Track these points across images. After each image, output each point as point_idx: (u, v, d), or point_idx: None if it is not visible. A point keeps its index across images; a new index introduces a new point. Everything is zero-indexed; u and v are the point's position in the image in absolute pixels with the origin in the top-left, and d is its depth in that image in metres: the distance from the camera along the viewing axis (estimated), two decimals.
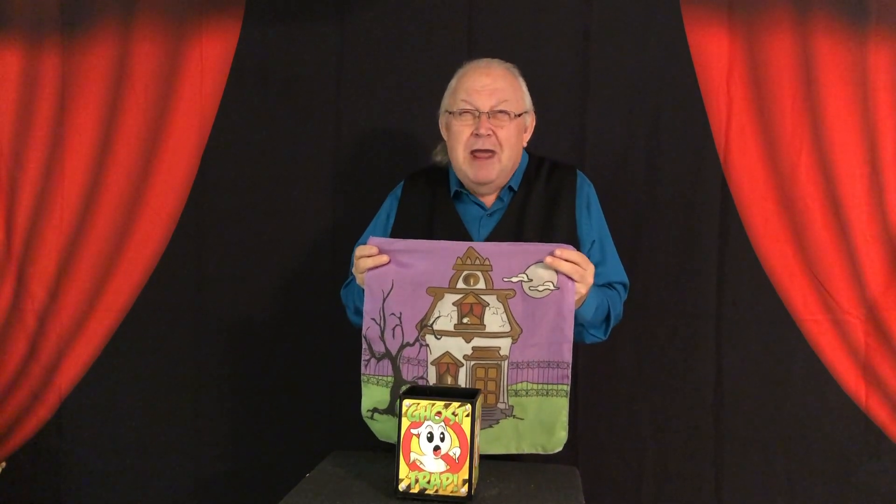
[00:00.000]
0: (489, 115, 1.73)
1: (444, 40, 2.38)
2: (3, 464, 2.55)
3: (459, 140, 1.75)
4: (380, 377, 1.60)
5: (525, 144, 1.83)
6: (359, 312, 1.71)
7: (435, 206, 1.84)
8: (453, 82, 1.82)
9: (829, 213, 2.24)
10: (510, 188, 1.80)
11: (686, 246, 2.32)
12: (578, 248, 1.69)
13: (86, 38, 2.50)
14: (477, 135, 1.73)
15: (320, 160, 2.45)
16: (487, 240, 1.74)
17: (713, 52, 2.28)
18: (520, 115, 1.77)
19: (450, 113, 1.79)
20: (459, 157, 1.76)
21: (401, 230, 1.80)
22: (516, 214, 1.76)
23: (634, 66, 2.32)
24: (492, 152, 1.73)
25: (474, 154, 1.74)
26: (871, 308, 2.22)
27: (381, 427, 1.61)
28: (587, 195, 1.80)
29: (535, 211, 1.76)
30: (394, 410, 1.58)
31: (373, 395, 1.61)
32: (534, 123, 1.85)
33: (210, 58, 2.48)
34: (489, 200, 1.81)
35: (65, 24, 2.51)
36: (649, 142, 2.33)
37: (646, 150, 2.33)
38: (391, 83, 2.43)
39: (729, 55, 2.27)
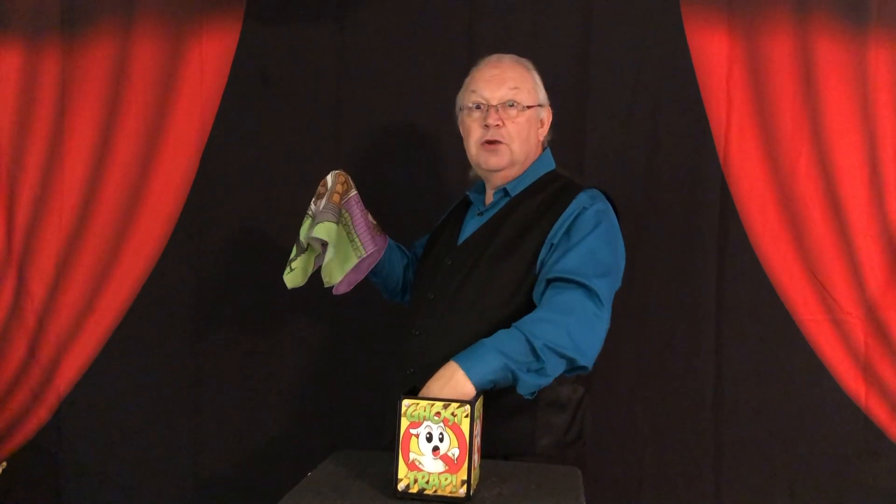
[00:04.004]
0: (497, 107, 1.74)
1: (444, 40, 2.38)
2: (4, 464, 2.55)
3: (472, 136, 1.78)
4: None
5: (541, 139, 1.83)
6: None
7: (453, 213, 1.93)
8: (467, 78, 1.83)
9: (829, 213, 2.23)
10: (506, 191, 1.78)
11: (686, 246, 2.31)
12: (535, 260, 1.64)
13: (86, 38, 2.51)
14: (486, 126, 1.74)
15: (320, 160, 2.45)
16: (468, 239, 1.77)
17: (713, 52, 2.28)
18: (530, 108, 1.76)
19: (461, 110, 1.82)
20: (473, 151, 1.79)
21: (433, 234, 1.96)
22: (500, 219, 1.75)
23: (634, 67, 2.32)
24: (500, 142, 1.75)
25: (484, 144, 1.75)
26: (871, 308, 2.22)
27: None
28: (582, 208, 1.66)
29: (518, 218, 1.72)
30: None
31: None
32: (550, 118, 1.84)
33: (210, 58, 2.48)
34: (489, 198, 1.82)
35: (65, 24, 2.51)
36: (649, 142, 2.32)
37: (646, 150, 2.33)
38: (391, 83, 2.43)
39: (729, 55, 2.27)
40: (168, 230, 2.51)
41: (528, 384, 1.51)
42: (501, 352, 1.48)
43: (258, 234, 2.48)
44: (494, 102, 1.74)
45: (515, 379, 1.49)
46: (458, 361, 1.48)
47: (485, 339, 1.51)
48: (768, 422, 2.28)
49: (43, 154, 2.53)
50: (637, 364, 2.33)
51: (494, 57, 1.81)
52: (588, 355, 1.56)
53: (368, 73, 2.43)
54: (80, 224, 2.53)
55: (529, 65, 1.82)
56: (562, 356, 1.52)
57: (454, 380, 1.45)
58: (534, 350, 1.49)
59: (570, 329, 1.52)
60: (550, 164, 1.84)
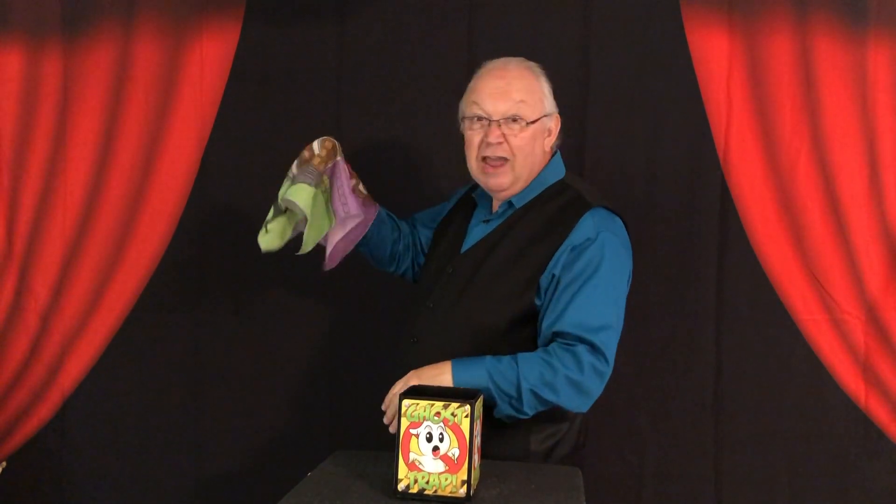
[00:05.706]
0: (500, 122, 1.67)
1: (444, 40, 2.38)
2: (4, 463, 2.55)
3: (471, 147, 1.73)
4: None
5: (548, 149, 1.77)
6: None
7: (460, 207, 1.88)
8: (471, 82, 1.77)
9: (829, 213, 2.23)
10: (511, 203, 1.74)
11: (686, 246, 2.31)
12: (537, 287, 1.63)
13: (87, 39, 2.50)
14: (488, 143, 1.68)
15: None
16: (470, 249, 1.75)
17: (713, 52, 2.28)
18: (536, 121, 1.70)
19: (463, 118, 1.76)
20: (473, 165, 1.74)
21: (439, 227, 1.92)
22: (503, 231, 1.72)
23: (634, 66, 2.32)
24: (504, 160, 1.69)
25: (486, 161, 1.70)
26: (871, 308, 2.22)
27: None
28: (586, 239, 1.62)
29: (521, 232, 1.69)
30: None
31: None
32: (558, 125, 1.78)
33: (210, 58, 2.48)
34: (495, 206, 1.79)
35: (66, 25, 2.51)
36: (649, 142, 2.32)
37: (646, 150, 2.33)
38: (391, 83, 2.43)
39: (729, 55, 2.27)
40: (170, 229, 2.51)
41: (503, 412, 1.60)
42: (491, 377, 1.56)
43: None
44: (496, 117, 1.67)
45: (493, 404, 1.58)
46: (453, 365, 1.58)
47: (487, 357, 1.58)
48: (768, 422, 2.28)
49: (45, 154, 2.53)
50: (637, 364, 2.33)
51: (500, 63, 1.73)
52: (577, 406, 1.64)
53: (368, 73, 2.43)
54: (82, 224, 2.53)
55: (538, 70, 1.74)
56: (545, 402, 1.59)
57: (440, 377, 1.57)
58: (518, 389, 1.56)
59: (567, 381, 1.57)
60: (559, 172, 1.78)
